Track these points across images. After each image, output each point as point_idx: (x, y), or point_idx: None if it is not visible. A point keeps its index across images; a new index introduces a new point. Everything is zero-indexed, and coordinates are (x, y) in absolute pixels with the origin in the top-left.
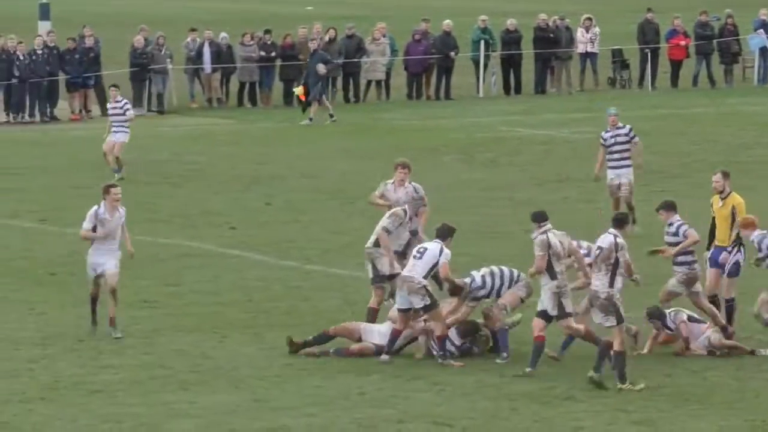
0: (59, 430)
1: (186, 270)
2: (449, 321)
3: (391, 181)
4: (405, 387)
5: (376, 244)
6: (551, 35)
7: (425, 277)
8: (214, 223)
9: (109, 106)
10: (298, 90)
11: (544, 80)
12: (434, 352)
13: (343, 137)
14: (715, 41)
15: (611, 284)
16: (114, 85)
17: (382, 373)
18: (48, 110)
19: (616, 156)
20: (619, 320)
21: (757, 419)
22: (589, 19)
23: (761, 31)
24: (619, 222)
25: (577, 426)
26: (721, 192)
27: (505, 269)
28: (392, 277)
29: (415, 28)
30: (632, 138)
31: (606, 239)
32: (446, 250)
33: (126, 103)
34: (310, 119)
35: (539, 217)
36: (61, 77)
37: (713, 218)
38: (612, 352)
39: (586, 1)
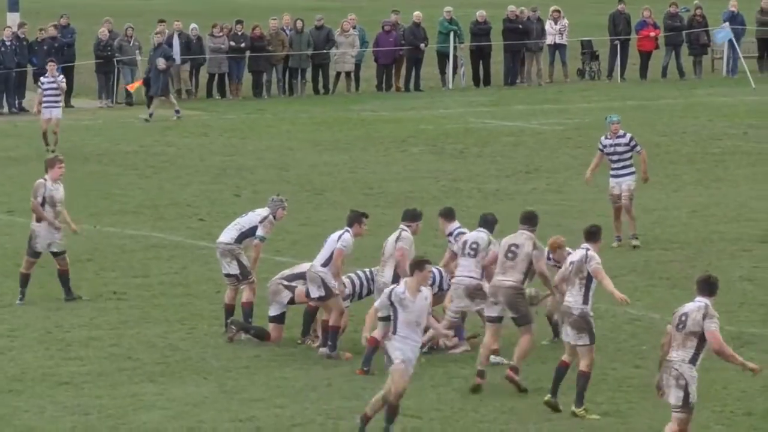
0: (26, 421)
1: (154, 261)
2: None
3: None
4: (374, 379)
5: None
6: (520, 27)
7: (324, 266)
8: (182, 215)
9: (45, 80)
10: (133, 84)
11: (514, 72)
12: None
13: (312, 129)
14: (684, 33)
15: (585, 301)
16: (51, 60)
17: (351, 366)
18: (16, 102)
19: (616, 165)
20: (592, 340)
21: (725, 410)
22: (558, 11)
23: (726, 24)
24: (591, 235)
25: (546, 417)
26: None
27: (364, 272)
28: None
29: (384, 20)
30: (634, 147)
31: (577, 253)
32: (346, 237)
33: (62, 78)
34: (150, 115)
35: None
36: (30, 69)
37: None
38: (579, 372)
39: None
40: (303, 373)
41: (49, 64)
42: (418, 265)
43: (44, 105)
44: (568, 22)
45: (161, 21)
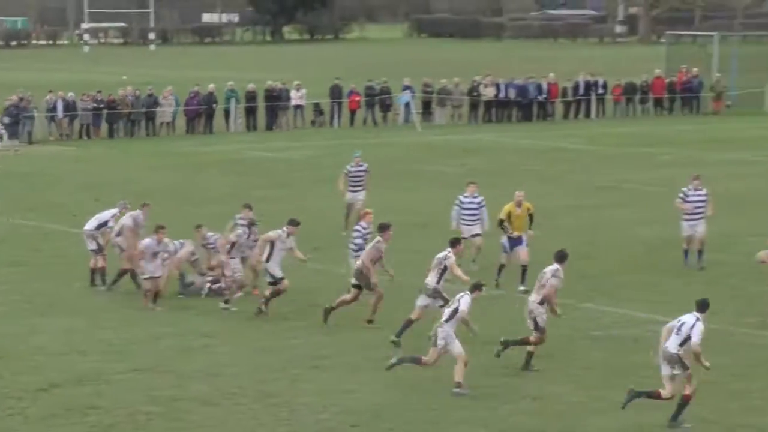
0: None
1: (45, 242)
2: None
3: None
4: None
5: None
6: (275, 93)
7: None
8: (62, 212)
9: None
10: None
11: (272, 122)
12: None
13: (147, 158)
14: (377, 97)
15: (541, 302)
16: None
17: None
18: None
19: (355, 184)
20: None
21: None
22: (299, 84)
23: (407, 91)
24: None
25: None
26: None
27: None
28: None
29: (191, 89)
30: (367, 171)
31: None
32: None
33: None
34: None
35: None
36: None
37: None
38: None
39: (297, 71)
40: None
41: None
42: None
43: None
44: (306, 91)
45: (50, 91)
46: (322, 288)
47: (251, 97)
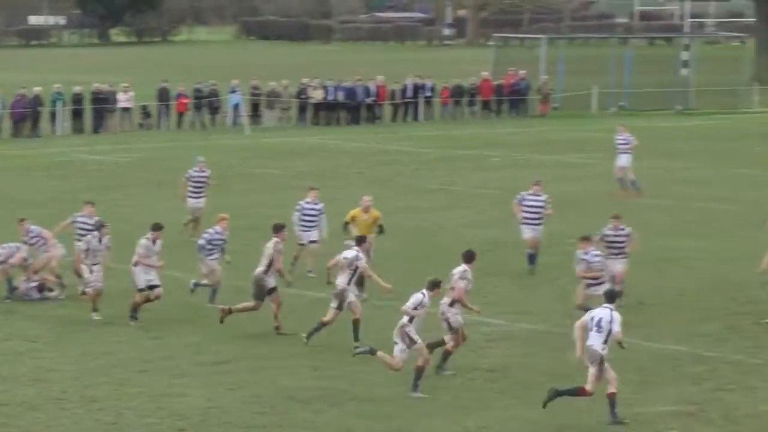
0: None
1: None
2: None
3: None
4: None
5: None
6: (101, 95)
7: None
8: None
9: None
10: None
11: (99, 124)
12: None
13: None
14: (205, 100)
15: (451, 304)
16: None
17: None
18: None
19: (196, 189)
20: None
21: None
22: (127, 86)
23: (237, 92)
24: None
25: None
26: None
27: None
28: None
29: (17, 92)
30: (210, 178)
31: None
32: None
33: None
34: None
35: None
36: None
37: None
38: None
39: (124, 73)
40: None
41: None
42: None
43: None
44: (133, 93)
45: None
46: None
47: (78, 99)
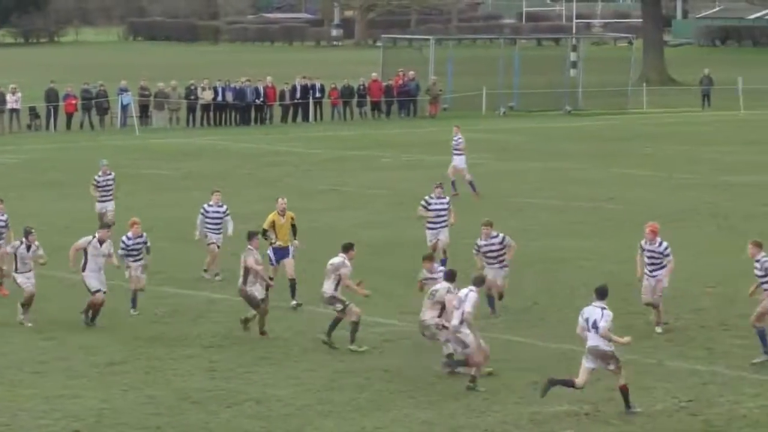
0: None
1: None
2: None
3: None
4: None
5: None
6: None
7: None
8: None
9: None
10: None
11: None
12: None
13: None
14: (93, 101)
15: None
16: None
17: None
18: None
19: (104, 192)
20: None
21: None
22: (15, 87)
23: (127, 92)
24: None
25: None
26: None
27: None
28: None
29: None
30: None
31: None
32: None
33: None
34: None
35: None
36: None
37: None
38: None
39: (12, 74)
40: None
41: None
42: None
43: None
44: (21, 95)
45: None
46: (41, 292)
47: None
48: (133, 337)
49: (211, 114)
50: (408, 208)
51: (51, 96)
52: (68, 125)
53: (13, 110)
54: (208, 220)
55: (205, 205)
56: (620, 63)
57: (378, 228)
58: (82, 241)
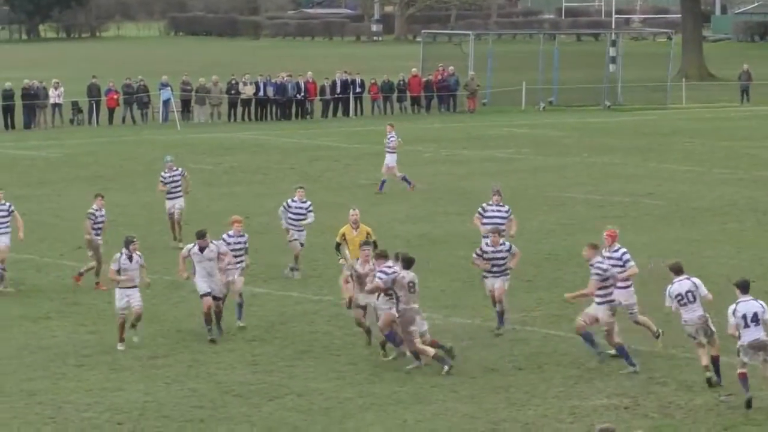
0: None
1: None
2: None
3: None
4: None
5: None
6: (32, 92)
7: None
8: None
9: None
10: None
11: (30, 120)
12: None
13: None
14: (135, 96)
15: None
16: None
17: None
18: None
19: (173, 189)
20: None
21: None
22: (58, 81)
23: (168, 87)
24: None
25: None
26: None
27: None
28: None
29: None
30: (184, 174)
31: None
32: None
33: None
34: None
35: None
36: None
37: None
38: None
39: (53, 69)
40: None
41: None
42: None
43: None
44: (64, 89)
45: None
46: (84, 286)
47: (8, 95)
48: (176, 331)
49: (252, 109)
50: (446, 203)
51: (93, 91)
52: (110, 120)
53: (55, 105)
54: (291, 216)
55: (289, 200)
56: (659, 58)
57: (415, 223)
58: (185, 250)
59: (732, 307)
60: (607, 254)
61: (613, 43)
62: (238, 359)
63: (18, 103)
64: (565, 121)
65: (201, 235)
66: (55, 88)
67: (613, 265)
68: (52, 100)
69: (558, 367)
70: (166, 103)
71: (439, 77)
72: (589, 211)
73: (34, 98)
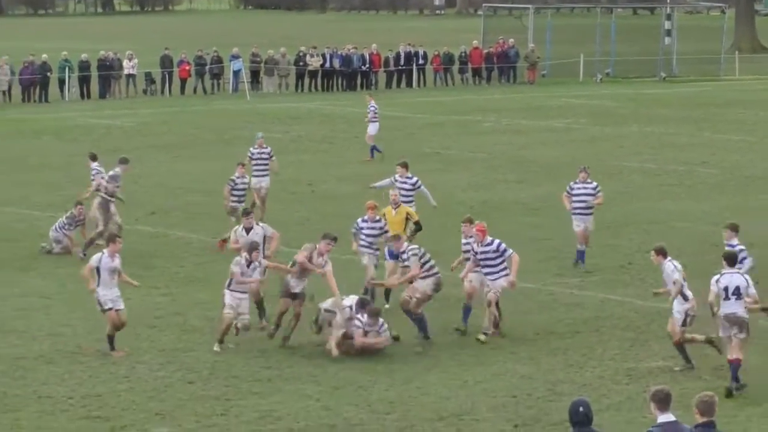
0: None
1: None
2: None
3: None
4: None
5: None
6: (108, 63)
7: None
8: None
9: None
10: None
11: (106, 90)
12: None
13: None
14: (207, 67)
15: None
16: None
17: None
18: None
19: (258, 167)
20: None
21: None
22: (132, 53)
23: (239, 59)
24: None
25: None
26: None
27: None
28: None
29: (25, 59)
30: (270, 155)
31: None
32: None
33: None
34: None
35: None
36: None
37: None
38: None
39: (128, 42)
40: None
41: None
42: None
43: None
44: (137, 61)
45: None
46: (157, 250)
47: (85, 66)
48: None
49: (319, 80)
50: (506, 171)
51: (166, 62)
52: (182, 90)
53: (129, 76)
54: (402, 192)
55: (394, 177)
56: (713, 31)
57: (476, 190)
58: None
59: (716, 276)
60: (481, 249)
61: (668, 17)
62: (307, 320)
63: (94, 74)
64: (621, 92)
65: (246, 214)
66: (129, 60)
67: (490, 257)
68: (126, 71)
69: (614, 330)
70: (237, 74)
71: (500, 49)
72: (645, 179)
73: (109, 69)
